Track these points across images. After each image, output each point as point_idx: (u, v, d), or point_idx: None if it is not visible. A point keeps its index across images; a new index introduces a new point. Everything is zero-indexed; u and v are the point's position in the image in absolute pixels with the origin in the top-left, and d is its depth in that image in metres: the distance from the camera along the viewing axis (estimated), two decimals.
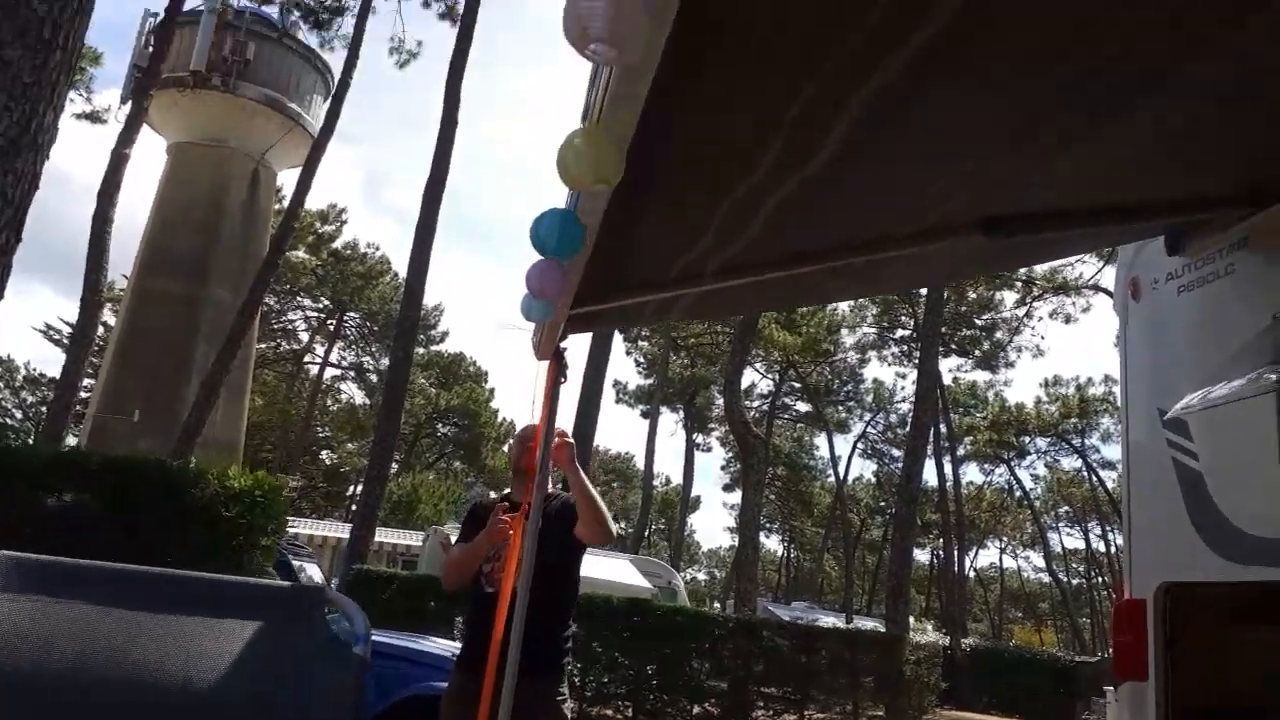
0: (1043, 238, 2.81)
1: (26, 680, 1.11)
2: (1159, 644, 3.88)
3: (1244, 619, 3.93)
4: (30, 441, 17.27)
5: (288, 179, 25.40)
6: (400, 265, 36.70)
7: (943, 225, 2.69)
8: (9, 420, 38.90)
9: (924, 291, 22.69)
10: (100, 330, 22.23)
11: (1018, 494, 41.81)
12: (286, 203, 18.88)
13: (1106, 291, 24.17)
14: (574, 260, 2.14)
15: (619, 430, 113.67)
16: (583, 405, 16.77)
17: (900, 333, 33.05)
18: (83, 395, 22.82)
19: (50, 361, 48.66)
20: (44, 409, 26.44)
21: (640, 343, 37.70)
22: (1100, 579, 43.33)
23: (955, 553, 33.16)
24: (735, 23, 1.59)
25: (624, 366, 57.64)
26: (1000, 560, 51.66)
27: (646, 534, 51.78)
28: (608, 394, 32.50)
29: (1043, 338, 48.93)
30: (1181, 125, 2.53)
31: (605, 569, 21.38)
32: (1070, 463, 39.44)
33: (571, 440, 3.64)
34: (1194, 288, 3.66)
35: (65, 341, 20.83)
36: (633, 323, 3.50)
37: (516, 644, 2.79)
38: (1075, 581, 46.84)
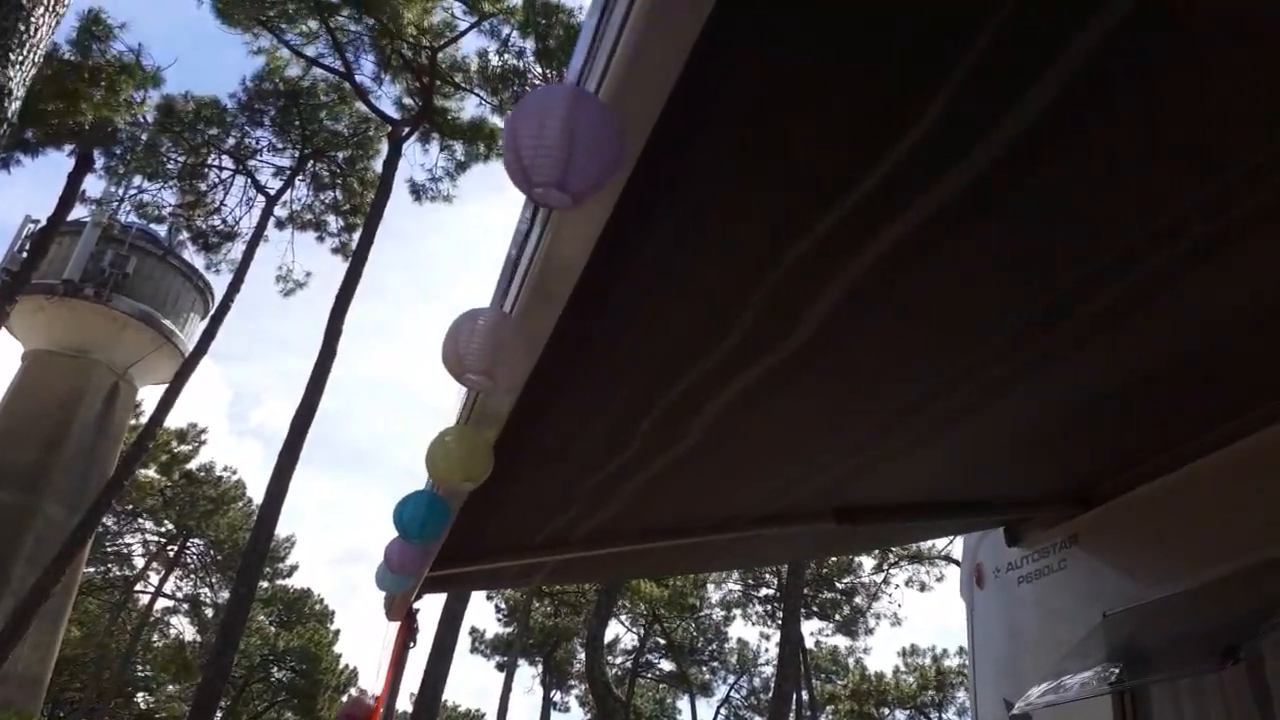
0: (890, 526, 2.94)
1: None
2: None
3: None
4: None
5: (150, 395, 24.52)
6: (256, 490, 35.12)
7: (797, 511, 2.80)
8: None
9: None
10: None
11: None
12: (145, 419, 18.09)
13: (957, 562, 25.07)
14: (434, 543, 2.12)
15: (471, 682, 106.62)
16: (434, 656, 15.80)
17: (764, 591, 33.05)
18: None
19: None
20: None
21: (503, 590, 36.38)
22: None
23: None
24: (602, 342, 1.70)
25: (483, 612, 55.17)
26: None
27: None
28: (463, 642, 30.87)
29: (900, 605, 49.77)
30: (1018, 431, 2.77)
31: None
32: None
33: None
34: (1032, 579, 3.84)
35: None
36: (494, 585, 3.42)
37: None
38: None
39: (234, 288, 17.27)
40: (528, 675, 40.32)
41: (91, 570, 33.14)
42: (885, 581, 30.54)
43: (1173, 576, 3.16)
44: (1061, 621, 3.62)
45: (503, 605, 37.78)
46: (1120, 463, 3.41)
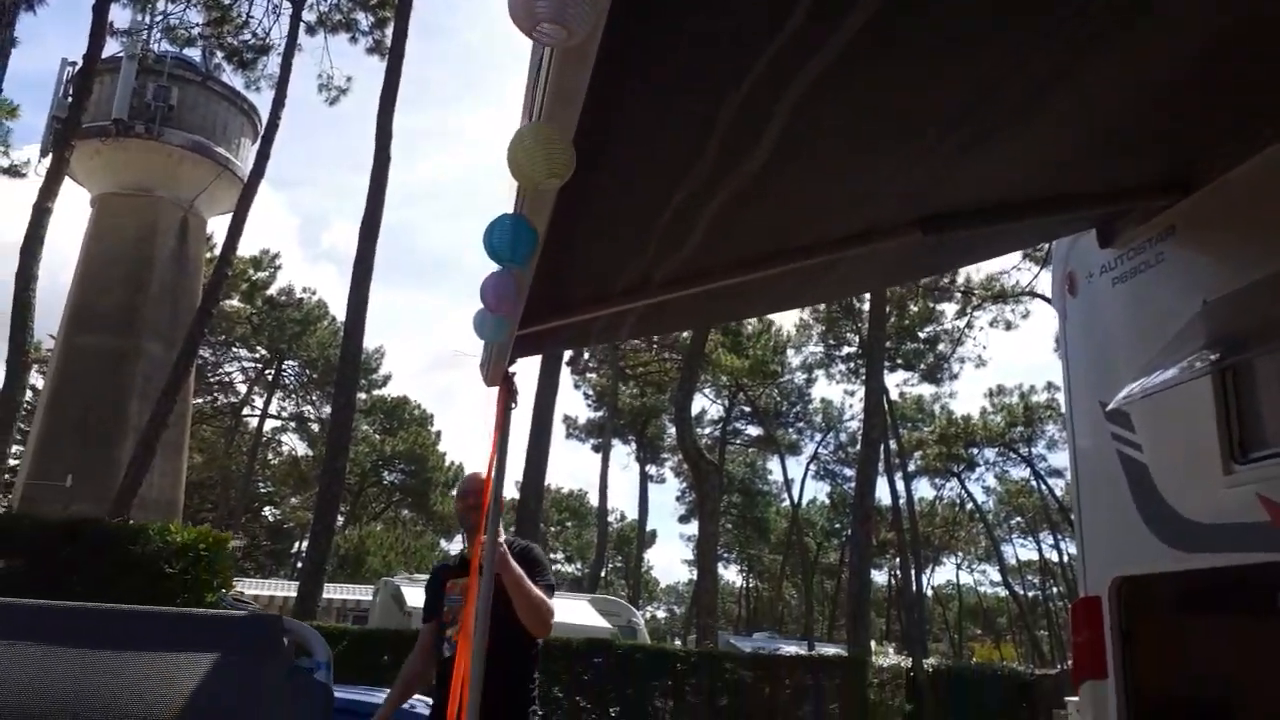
0: (978, 233, 2.83)
1: None
2: (1115, 639, 3.88)
3: (1197, 608, 3.97)
4: None
5: (219, 225, 24.93)
6: (338, 309, 36.23)
7: (881, 225, 2.70)
8: None
9: (867, 307, 23.03)
10: (28, 395, 21.49)
11: (969, 507, 42.38)
12: (218, 250, 18.50)
13: (1043, 297, 24.74)
14: (526, 271, 2.10)
15: (571, 466, 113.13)
16: (533, 441, 16.61)
17: (846, 350, 33.44)
18: (12, 463, 22.01)
19: None
20: None
21: (589, 375, 37.61)
22: (1055, 590, 43.98)
23: (912, 572, 33.36)
24: (662, 25, 1.58)
25: (573, 400, 57.40)
26: (957, 576, 52.21)
27: (603, 573, 51.36)
28: (558, 429, 32.34)
29: (984, 347, 49.69)
30: (1103, 117, 2.58)
31: (563, 611, 20.99)
32: (1019, 473, 40.12)
33: (504, 545, 3.51)
34: (1127, 279, 3.72)
35: None
36: (581, 342, 3.48)
37: (474, 707, 2.68)
38: (1031, 594, 47.45)
39: (278, 103, 17.04)
40: (623, 453, 42.34)
41: (200, 401, 35.20)
42: (969, 325, 30.46)
43: (1277, 254, 3.01)
44: (1159, 316, 3.53)
45: (590, 393, 39.23)
46: (1219, 142, 3.18)
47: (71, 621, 1.20)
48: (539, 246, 1.92)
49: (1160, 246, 3.53)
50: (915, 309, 30.47)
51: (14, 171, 19.94)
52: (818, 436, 40.17)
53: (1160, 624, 3.98)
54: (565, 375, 35.21)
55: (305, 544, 27.73)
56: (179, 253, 23.14)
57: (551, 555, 54.38)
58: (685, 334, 24.68)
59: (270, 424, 40.77)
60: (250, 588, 25.91)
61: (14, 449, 21.35)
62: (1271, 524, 3.10)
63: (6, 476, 25.56)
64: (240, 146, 24.02)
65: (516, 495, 20.53)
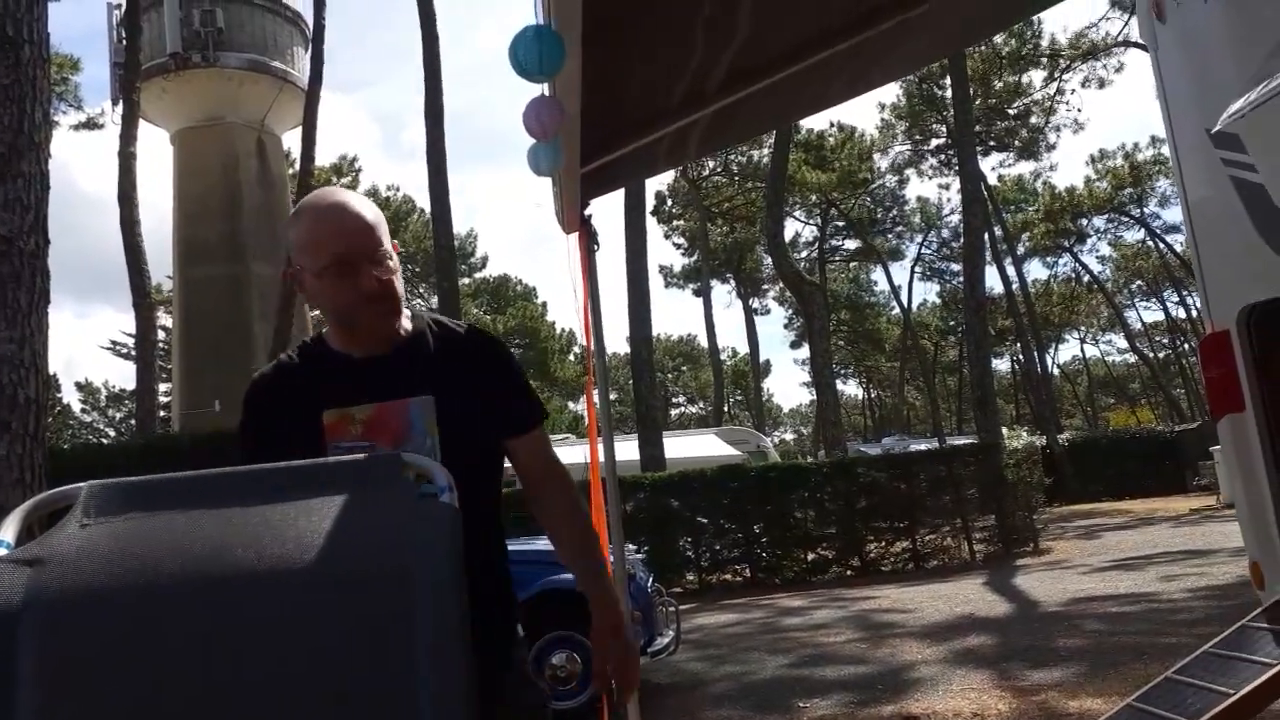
0: None
1: (140, 595, 1.16)
2: (1249, 369, 3.81)
3: None
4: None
5: (295, 141, 25.28)
6: (426, 204, 36.58)
7: None
8: (104, 441, 40.49)
9: (949, 93, 21.84)
10: (161, 335, 22.81)
11: (1086, 280, 40.97)
12: (299, 164, 18.83)
13: (1137, 44, 22.93)
14: (565, 85, 2.08)
15: (676, 314, 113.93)
16: (632, 291, 16.76)
17: (934, 142, 32.00)
18: (163, 399, 23.59)
19: (126, 375, 50.34)
20: (132, 422, 27.42)
21: (675, 222, 37.28)
22: (1186, 345, 42.59)
23: (1035, 354, 32.78)
24: None
25: (665, 250, 57.20)
26: (1082, 351, 51.10)
27: (726, 408, 52.36)
28: (655, 280, 32.44)
29: (1079, 110, 45.82)
30: None
31: (692, 446, 21.78)
32: (1133, 235, 38.32)
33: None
34: None
35: (133, 352, 21.39)
36: (650, 169, 3.42)
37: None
38: (1162, 354, 46.13)
39: (319, 3, 16.84)
40: (723, 293, 42.31)
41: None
42: (1059, 91, 28.60)
43: None
44: (1260, 26, 3.27)
45: (680, 241, 38.99)
46: None
47: (207, 488, 1.34)
48: (574, 59, 1.89)
49: None
50: (1000, 85, 28.70)
51: (92, 124, 20.49)
52: (918, 238, 39.15)
53: None
54: (653, 227, 35.04)
55: None
56: (262, 173, 23.63)
57: (673, 399, 55.80)
58: (765, 159, 23.99)
59: None
60: None
61: (162, 386, 22.86)
62: None
63: (163, 414, 27.51)
64: (294, 56, 23.98)
65: (627, 348, 20.92)
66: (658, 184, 34.91)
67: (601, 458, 3.63)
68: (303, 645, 1.16)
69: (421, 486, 1.38)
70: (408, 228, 38.02)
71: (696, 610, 10.75)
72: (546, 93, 2.08)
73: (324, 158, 37.78)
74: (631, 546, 9.47)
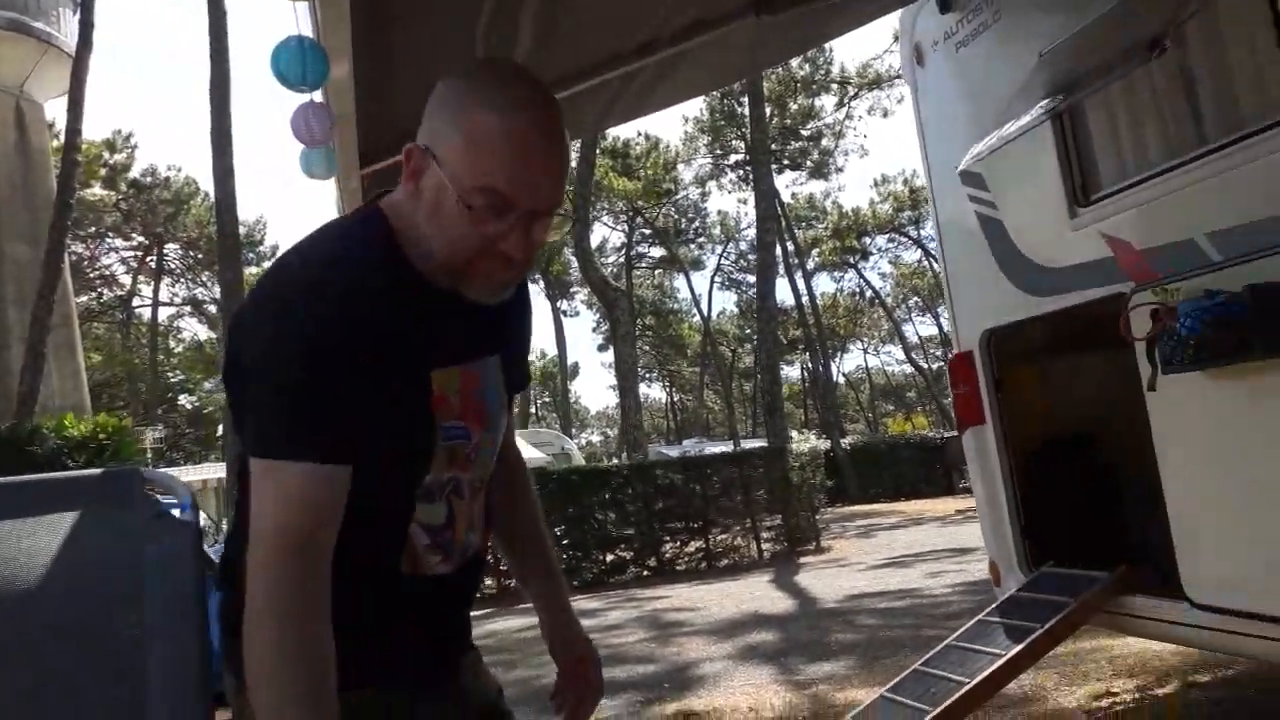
0: (814, 9, 2.82)
1: None
2: (989, 388, 4.21)
3: (1057, 349, 4.29)
4: None
5: (59, 110, 23.03)
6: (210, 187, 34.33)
7: (713, 12, 2.67)
8: None
9: (747, 110, 22.84)
10: None
11: (869, 295, 43.90)
12: (63, 136, 17.18)
13: None
14: (337, 91, 2.02)
15: None
16: None
17: (734, 157, 33.43)
18: None
19: None
20: None
21: None
22: None
23: (822, 363, 34.80)
24: None
25: None
26: (865, 361, 54.66)
27: (533, 409, 52.22)
28: None
29: (865, 137, 52.35)
30: None
31: None
32: (911, 255, 41.43)
33: None
34: (969, 42, 3.79)
35: None
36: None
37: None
38: (935, 365, 50.09)
39: None
40: (533, 293, 42.20)
41: (85, 299, 33.58)
42: (848, 116, 30.68)
43: None
44: (1001, 74, 3.62)
45: None
46: None
47: None
48: (343, 65, 1.84)
49: (996, 5, 3.58)
50: (795, 107, 30.44)
51: None
52: (718, 249, 40.68)
53: (1026, 369, 4.32)
54: None
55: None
56: (21, 145, 21.38)
57: None
58: (573, 163, 24.15)
59: (165, 312, 39.31)
60: (181, 474, 25.66)
61: None
62: (1114, 259, 3.33)
63: None
64: (61, 18, 21.86)
65: None
66: None
67: None
68: (28, 668, 1.09)
69: (160, 504, 1.31)
70: (189, 212, 35.49)
71: (492, 615, 10.66)
72: (318, 99, 2.01)
73: (94, 131, 34.73)
74: None
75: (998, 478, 4.15)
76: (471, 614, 1.43)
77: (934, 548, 12.60)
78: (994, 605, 3.92)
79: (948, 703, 3.30)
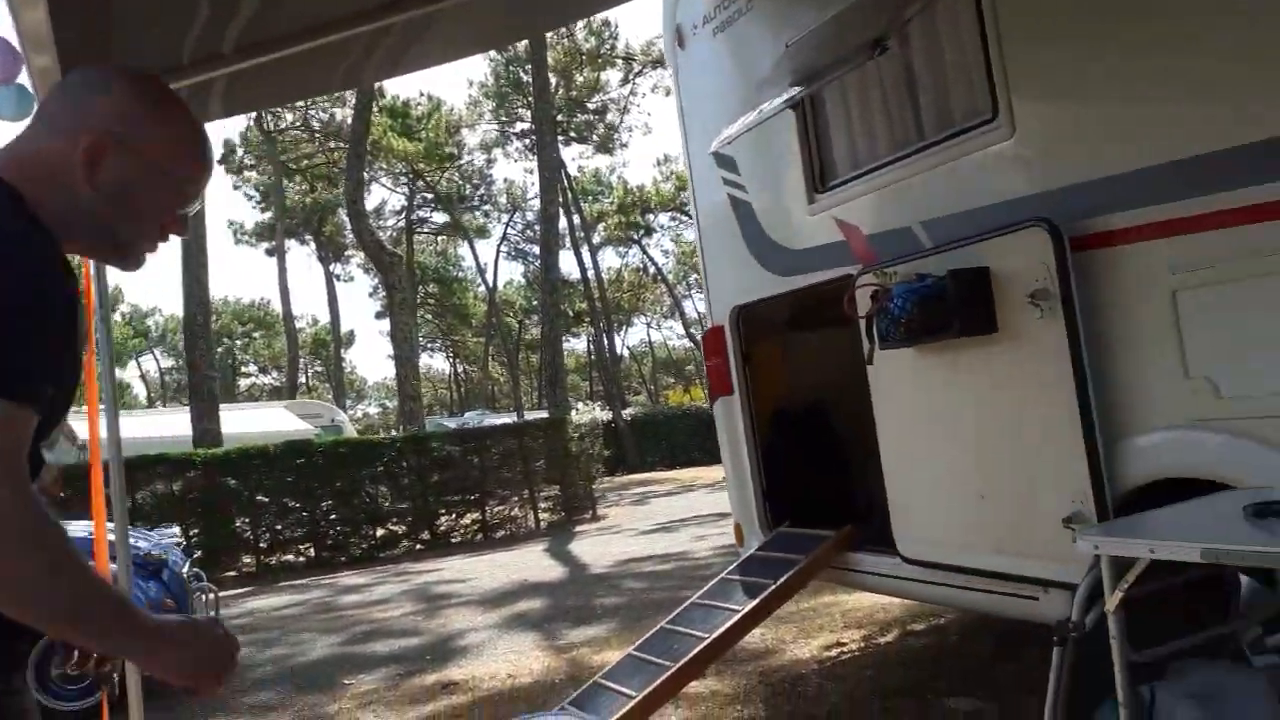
0: None
1: None
2: (738, 361, 4.44)
3: (798, 325, 4.58)
4: None
5: None
6: None
7: None
8: None
9: (532, 79, 22.72)
10: None
11: (652, 271, 45.01)
12: None
13: None
14: (34, 38, 1.82)
15: (248, 275, 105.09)
16: (187, 250, 15.25)
17: (520, 126, 33.11)
18: None
19: None
20: None
21: (247, 173, 34.57)
22: None
23: (606, 336, 35.37)
24: None
25: (236, 201, 52.53)
26: (648, 335, 56.13)
27: (304, 379, 49.77)
28: (224, 235, 29.74)
29: (650, 115, 53.95)
30: None
31: (258, 420, 20.45)
32: (691, 234, 42.72)
33: None
34: (725, 27, 3.94)
35: None
36: None
37: None
38: None
39: None
40: (303, 255, 40.17)
41: None
42: (632, 93, 31.17)
43: None
44: (752, 61, 3.80)
45: (253, 193, 36.22)
46: None
47: None
48: (39, 9, 1.67)
49: None
50: (581, 79, 30.58)
51: None
52: (504, 218, 40.27)
53: (771, 343, 4.59)
54: (222, 177, 32.16)
55: None
56: None
57: (243, 369, 51.82)
58: (349, 118, 23.13)
59: None
60: None
61: None
62: (846, 242, 3.58)
63: None
64: None
65: (180, 313, 19.02)
66: (228, 131, 32.04)
67: (104, 434, 3.25)
68: None
69: None
70: None
71: (251, 594, 10.15)
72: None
73: None
74: (174, 530, 8.71)
75: (743, 445, 4.40)
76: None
77: (701, 513, 13.18)
78: (734, 564, 4.16)
79: (688, 657, 3.48)
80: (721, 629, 3.61)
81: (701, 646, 3.54)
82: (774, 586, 3.68)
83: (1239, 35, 2.27)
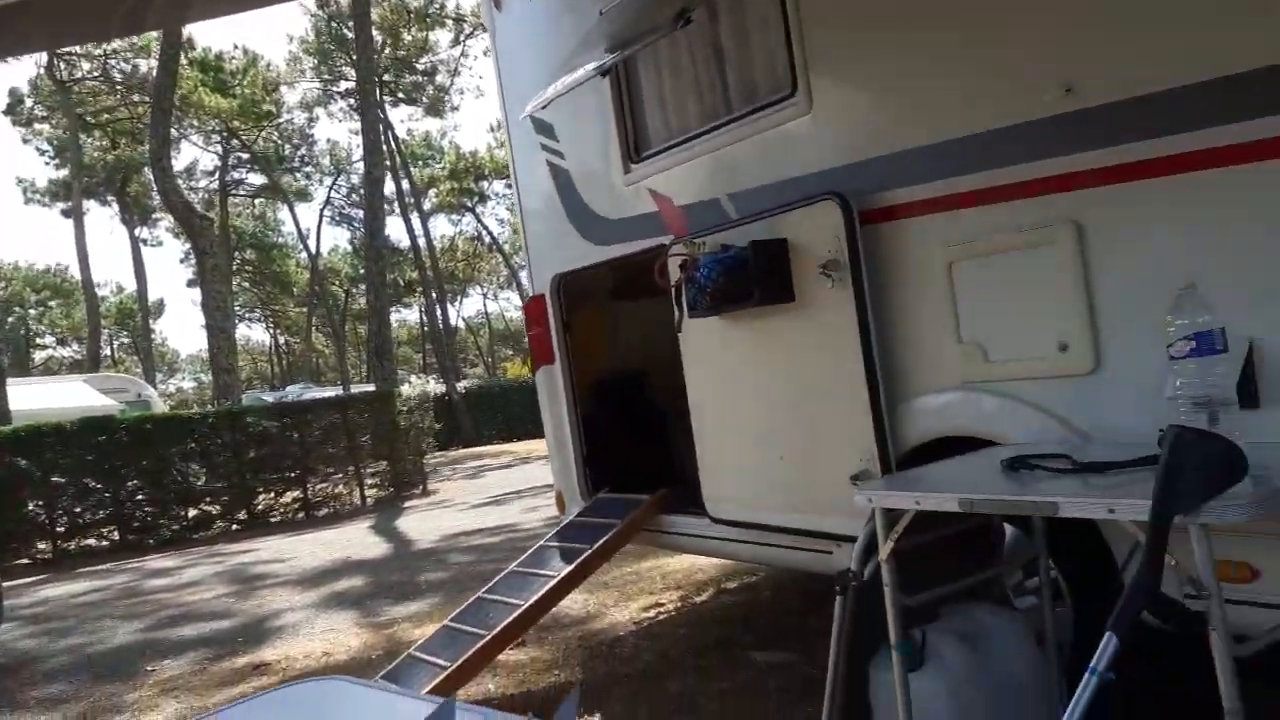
0: None
1: None
2: (559, 330, 4.45)
3: (617, 294, 4.64)
4: None
5: None
6: None
7: None
8: None
9: (355, 34, 21.79)
10: None
11: (487, 240, 44.27)
12: None
13: None
14: None
15: (41, 237, 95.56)
16: None
17: (344, 85, 31.66)
18: None
19: None
20: None
21: (38, 125, 31.56)
22: None
23: (440, 307, 34.58)
24: None
25: (26, 156, 47.79)
26: (485, 306, 55.32)
27: (109, 352, 46.22)
28: (13, 194, 27.07)
29: (481, 78, 52.05)
30: None
31: (55, 396, 18.84)
32: None
33: None
34: None
35: None
36: None
37: None
38: None
39: None
40: (105, 217, 37.17)
41: None
42: (464, 55, 30.39)
43: None
44: (568, 26, 3.78)
45: (46, 147, 33.11)
46: None
47: None
48: None
49: None
50: (409, 38, 29.53)
51: None
52: (328, 180, 38.49)
53: (591, 312, 4.62)
54: (8, 129, 29.29)
55: None
56: None
57: (37, 341, 47.52)
58: (154, 70, 21.49)
59: None
60: None
61: None
62: (658, 213, 3.64)
63: None
64: None
65: None
66: (15, 79, 29.07)
67: None
68: None
69: None
70: None
71: (46, 582, 9.43)
72: None
73: None
74: None
75: (564, 413, 4.42)
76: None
77: (533, 484, 13.17)
78: (553, 531, 4.19)
79: (503, 624, 3.49)
80: (537, 595, 3.63)
81: (517, 614, 3.55)
82: (590, 550, 3.73)
83: (1004, 24, 2.44)
